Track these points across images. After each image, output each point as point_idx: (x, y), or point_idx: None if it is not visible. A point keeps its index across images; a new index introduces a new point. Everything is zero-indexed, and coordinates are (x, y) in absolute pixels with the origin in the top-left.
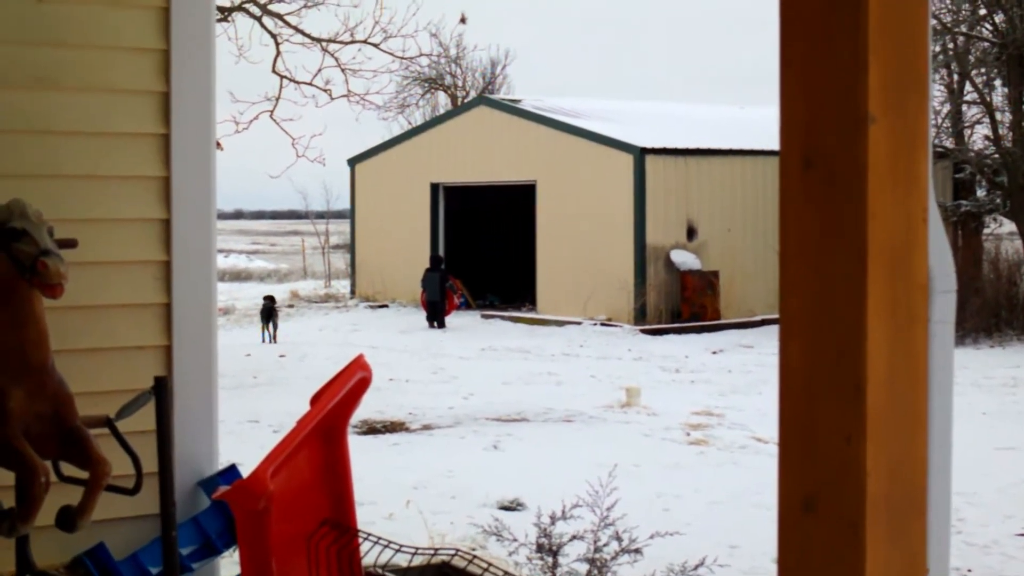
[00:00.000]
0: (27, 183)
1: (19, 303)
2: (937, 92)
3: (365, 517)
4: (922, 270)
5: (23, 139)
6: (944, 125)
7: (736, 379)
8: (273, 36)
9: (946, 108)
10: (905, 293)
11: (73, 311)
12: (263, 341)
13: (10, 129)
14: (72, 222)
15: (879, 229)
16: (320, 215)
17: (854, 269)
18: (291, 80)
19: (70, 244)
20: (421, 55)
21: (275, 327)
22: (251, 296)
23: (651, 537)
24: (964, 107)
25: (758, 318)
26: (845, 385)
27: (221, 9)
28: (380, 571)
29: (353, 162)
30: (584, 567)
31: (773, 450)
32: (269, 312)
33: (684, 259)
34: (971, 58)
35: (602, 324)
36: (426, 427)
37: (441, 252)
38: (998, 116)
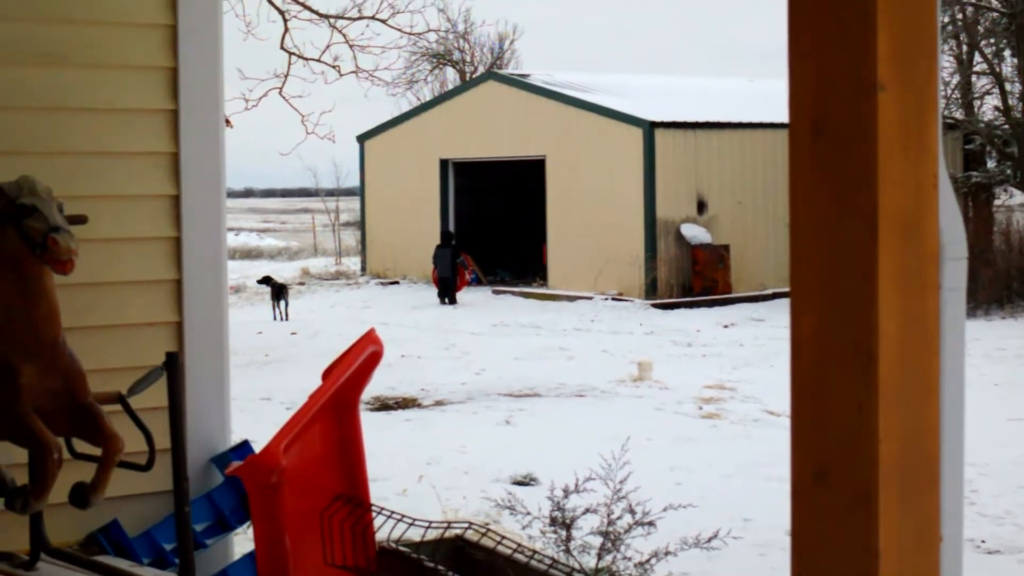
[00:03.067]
0: (35, 160)
1: (30, 279)
2: (946, 63)
3: (378, 493)
4: (933, 237)
5: (31, 116)
6: (953, 96)
7: (748, 352)
8: (280, 12)
9: (955, 79)
10: (916, 260)
11: (83, 288)
12: (274, 319)
13: (18, 106)
14: (81, 199)
15: (889, 196)
16: (330, 192)
17: (865, 236)
18: (299, 57)
19: (80, 220)
20: (429, 31)
21: (286, 305)
22: (262, 274)
23: (664, 510)
24: (973, 78)
25: (769, 291)
26: (856, 354)
27: None
28: (394, 546)
29: (363, 139)
30: (598, 540)
31: (786, 423)
32: (279, 291)
33: (694, 233)
34: (980, 28)
35: (613, 299)
36: (438, 403)
37: (451, 228)
38: (1008, 87)
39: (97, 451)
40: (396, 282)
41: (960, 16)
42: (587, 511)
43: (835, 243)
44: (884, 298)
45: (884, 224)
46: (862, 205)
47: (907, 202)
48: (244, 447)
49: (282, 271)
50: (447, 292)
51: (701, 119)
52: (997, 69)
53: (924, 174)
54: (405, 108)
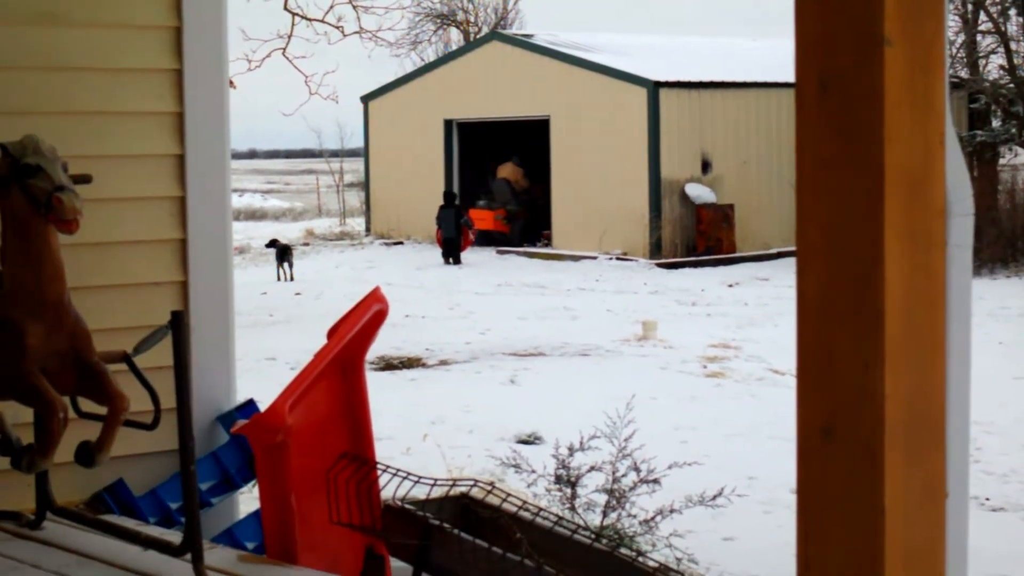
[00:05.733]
0: (39, 120)
1: (35, 239)
2: (951, 22)
3: (383, 452)
4: (939, 194)
5: (35, 76)
6: (959, 55)
7: (752, 312)
8: None
9: (961, 38)
10: (923, 217)
11: (88, 248)
12: (279, 280)
13: (22, 66)
14: (85, 158)
15: (896, 153)
16: (334, 153)
17: (871, 194)
18: (303, 17)
19: (85, 180)
20: None
21: (291, 266)
22: (266, 235)
23: (669, 468)
24: (979, 37)
25: (774, 251)
26: (863, 311)
27: None
28: (399, 503)
29: (366, 99)
30: (603, 498)
31: (790, 382)
32: (284, 252)
33: (699, 193)
34: None
35: (618, 258)
36: (443, 362)
37: (456, 188)
38: (1013, 46)
39: (103, 410)
40: (400, 243)
41: None
42: (592, 469)
43: (841, 200)
44: (890, 255)
45: (891, 180)
46: (869, 162)
47: (914, 159)
48: (249, 406)
49: (286, 232)
50: (451, 253)
51: (706, 79)
52: (1002, 28)
53: (931, 131)
54: (409, 69)
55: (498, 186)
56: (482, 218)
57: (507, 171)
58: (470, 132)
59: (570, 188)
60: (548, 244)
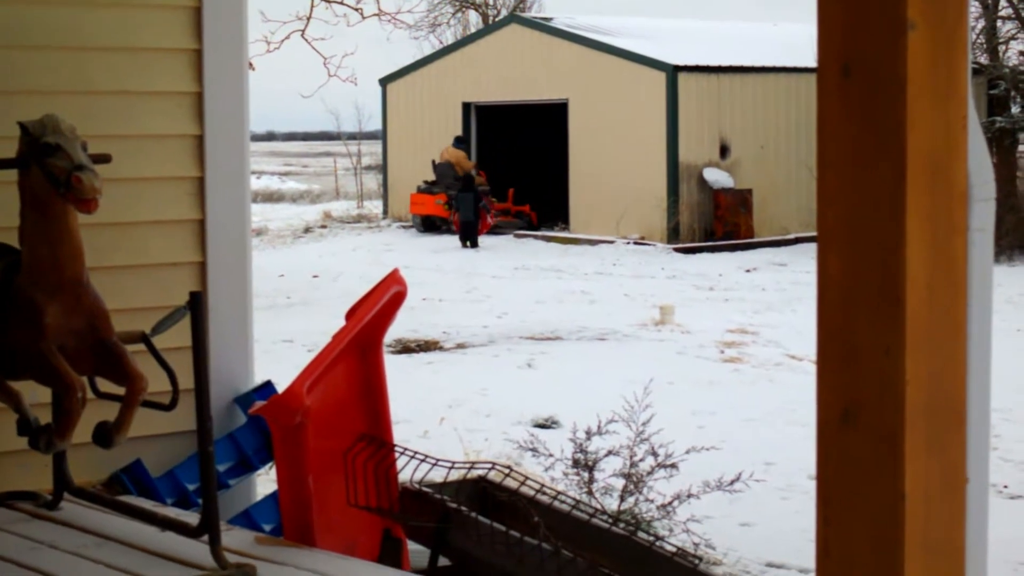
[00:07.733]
0: (59, 99)
1: (54, 218)
2: (972, 8)
3: (400, 435)
4: (962, 178)
5: (55, 55)
6: (979, 41)
7: (770, 297)
8: None
9: (981, 24)
10: (945, 202)
11: (107, 227)
12: None
13: (43, 45)
14: (105, 138)
15: (919, 137)
16: (352, 136)
17: (893, 178)
18: None
19: (104, 159)
20: None
21: None
22: (284, 217)
23: (687, 453)
24: (999, 23)
25: (791, 236)
26: (884, 296)
27: None
28: (417, 486)
29: (385, 82)
30: (620, 482)
31: (808, 367)
32: None
33: (717, 177)
34: None
35: (635, 243)
36: (460, 346)
37: (473, 172)
38: None
39: (121, 391)
40: None
41: None
42: (609, 453)
43: (863, 184)
44: (912, 239)
45: (913, 165)
46: (891, 146)
47: (936, 143)
48: (267, 387)
49: (304, 214)
50: (469, 236)
51: (724, 63)
52: (1023, 14)
53: (953, 115)
54: (427, 51)
55: (441, 170)
56: (422, 203)
57: (449, 154)
58: (488, 115)
59: (588, 172)
60: (565, 227)
